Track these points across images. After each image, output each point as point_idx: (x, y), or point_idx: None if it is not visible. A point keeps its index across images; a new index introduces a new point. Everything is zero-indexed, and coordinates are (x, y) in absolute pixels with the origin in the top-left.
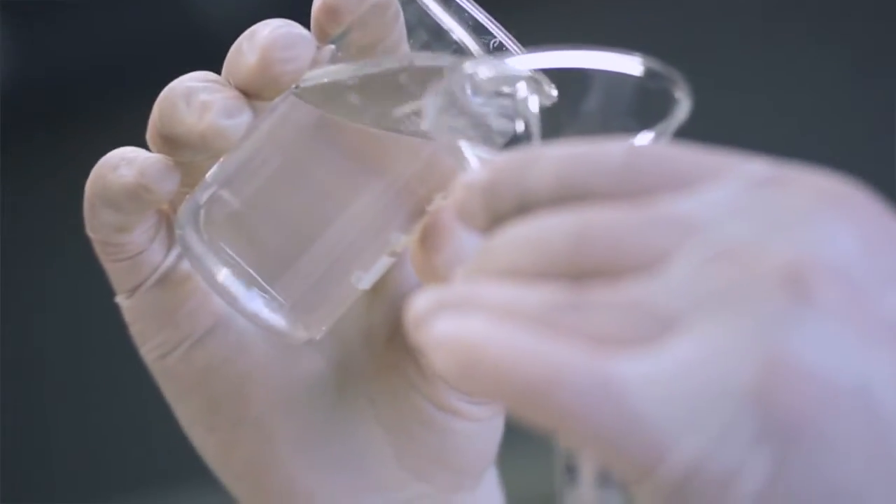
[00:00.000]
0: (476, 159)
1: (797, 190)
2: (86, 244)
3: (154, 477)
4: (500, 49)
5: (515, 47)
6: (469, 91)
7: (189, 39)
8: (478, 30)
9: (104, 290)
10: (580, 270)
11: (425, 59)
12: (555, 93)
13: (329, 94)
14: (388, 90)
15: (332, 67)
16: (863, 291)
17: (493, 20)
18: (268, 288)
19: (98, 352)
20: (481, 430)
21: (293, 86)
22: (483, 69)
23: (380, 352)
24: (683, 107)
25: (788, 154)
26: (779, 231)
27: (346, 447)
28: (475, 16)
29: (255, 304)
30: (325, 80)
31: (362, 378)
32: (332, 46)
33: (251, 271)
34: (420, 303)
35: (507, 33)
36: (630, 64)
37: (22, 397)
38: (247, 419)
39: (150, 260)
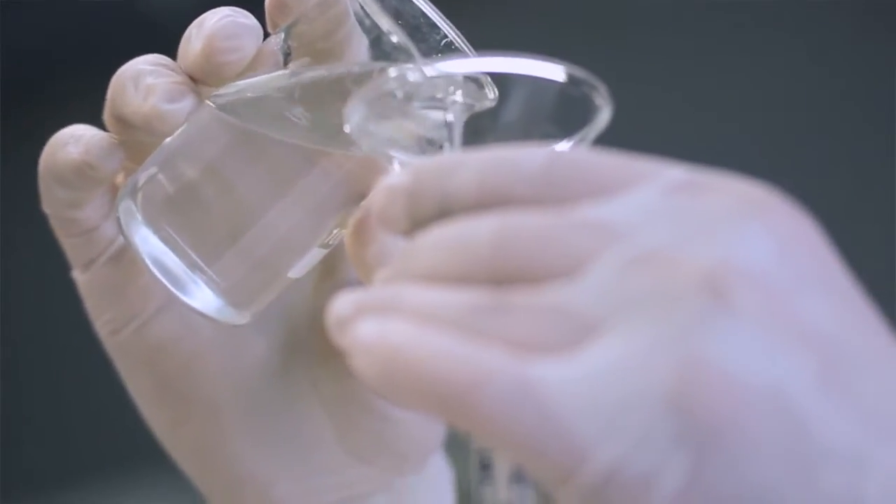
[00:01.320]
0: (398, 164)
1: (715, 196)
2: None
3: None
4: (448, 47)
5: (464, 45)
6: (397, 96)
7: (146, 22)
8: (423, 28)
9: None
10: (501, 275)
11: (349, 66)
12: (493, 96)
13: (252, 107)
14: (316, 97)
15: (257, 79)
16: (778, 296)
17: (441, 16)
18: (202, 266)
19: (67, 328)
20: (422, 418)
21: (210, 97)
22: (410, 75)
23: (324, 337)
24: (604, 114)
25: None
26: (697, 236)
27: (291, 428)
28: (426, 12)
29: (182, 284)
30: (248, 94)
31: (307, 362)
32: (281, 36)
33: (176, 252)
34: (341, 305)
35: (456, 30)
36: (552, 70)
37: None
38: (195, 397)
39: (103, 236)
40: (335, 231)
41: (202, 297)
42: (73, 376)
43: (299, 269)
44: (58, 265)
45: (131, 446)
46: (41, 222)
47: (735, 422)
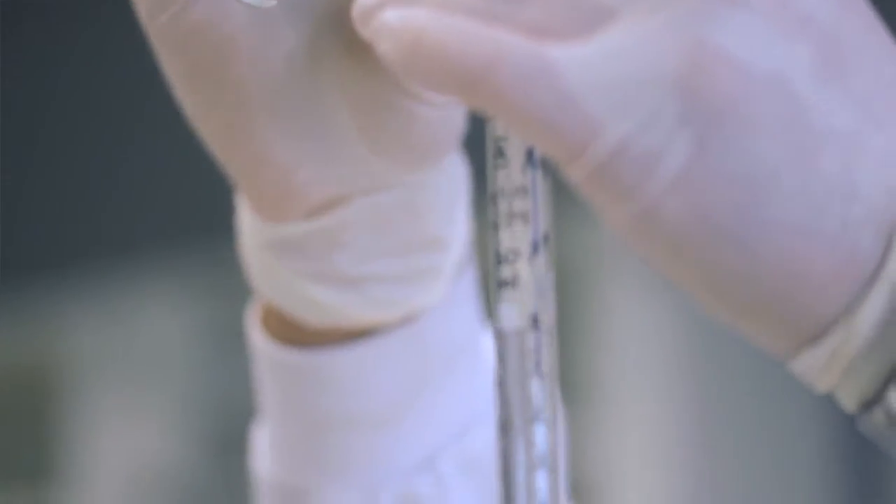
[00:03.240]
0: None
1: None
2: None
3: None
4: None
5: None
6: None
7: None
8: None
9: None
10: None
11: None
12: None
13: None
14: None
15: None
16: None
17: None
18: None
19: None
20: (441, 117)
21: None
22: None
23: (348, 32)
24: None
25: None
26: None
27: (315, 120)
28: None
29: None
30: None
31: (332, 57)
32: None
33: None
34: None
35: None
36: None
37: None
38: (226, 81)
39: None
40: None
41: None
42: (74, 154)
43: None
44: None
45: (129, 229)
46: None
47: (737, 103)
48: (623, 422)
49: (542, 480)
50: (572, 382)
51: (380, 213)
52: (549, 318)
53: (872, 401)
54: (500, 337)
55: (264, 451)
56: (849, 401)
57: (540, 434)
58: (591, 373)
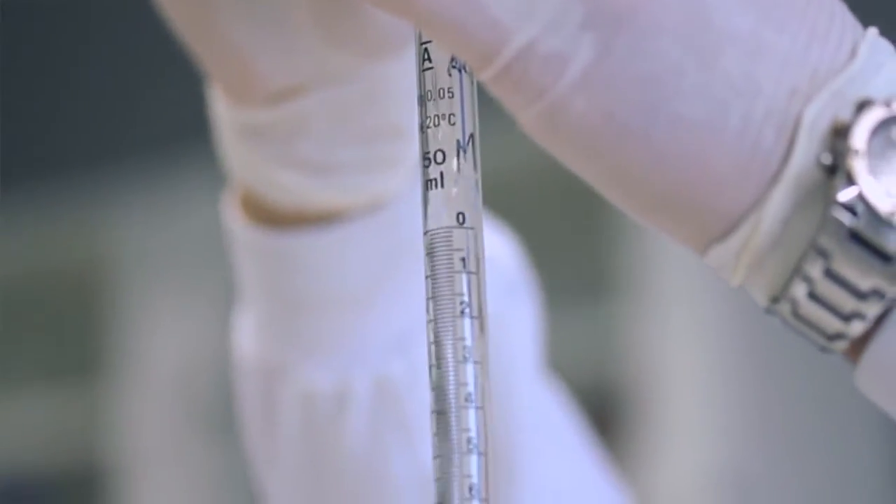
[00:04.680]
0: None
1: None
2: None
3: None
4: None
5: None
6: None
7: None
8: None
9: None
10: None
11: None
12: None
13: None
14: None
15: None
16: None
17: None
18: None
19: None
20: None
21: None
22: None
23: None
24: None
25: None
26: None
27: (273, 11)
28: None
29: None
30: None
31: None
32: None
33: None
34: None
35: None
36: None
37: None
38: None
39: None
40: None
41: None
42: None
43: None
44: None
45: (173, 123)
46: None
47: (639, 7)
48: (670, 317)
49: (470, 373)
50: (616, 274)
51: (340, 103)
52: (475, 217)
53: (780, 295)
54: (427, 234)
55: (245, 332)
56: (759, 295)
57: (467, 327)
58: (636, 265)
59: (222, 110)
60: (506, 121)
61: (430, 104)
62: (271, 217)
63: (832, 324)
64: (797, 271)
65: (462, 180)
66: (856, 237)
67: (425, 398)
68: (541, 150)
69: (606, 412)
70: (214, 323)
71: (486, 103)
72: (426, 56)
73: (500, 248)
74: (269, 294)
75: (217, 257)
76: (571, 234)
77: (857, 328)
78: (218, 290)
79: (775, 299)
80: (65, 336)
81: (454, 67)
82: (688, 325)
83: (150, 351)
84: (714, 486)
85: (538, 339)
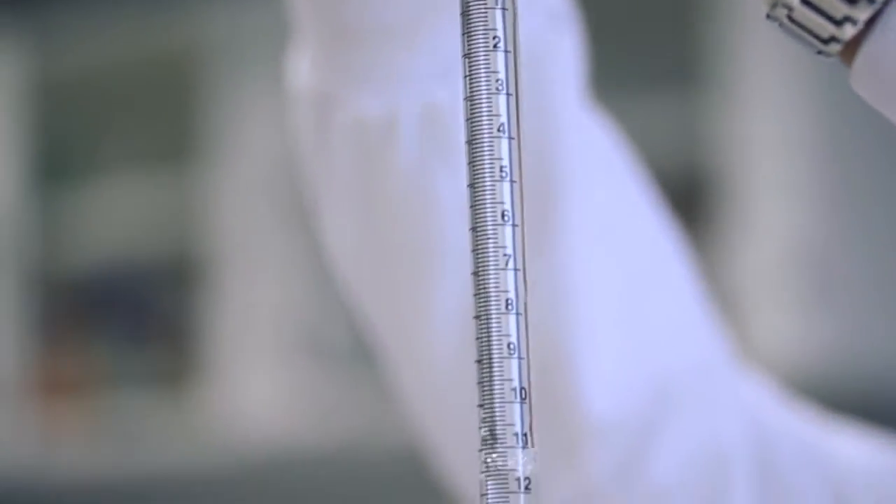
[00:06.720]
0: None
1: None
2: None
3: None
4: None
5: None
6: None
7: None
8: None
9: None
10: None
11: None
12: None
13: None
14: None
15: None
16: None
17: None
18: None
19: None
20: None
21: None
22: None
23: None
24: None
25: None
26: None
27: None
28: None
29: None
30: None
31: None
32: None
33: None
34: None
35: None
36: None
37: None
38: None
39: None
40: None
41: None
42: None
43: None
44: None
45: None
46: None
47: None
48: (755, 104)
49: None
50: (702, 61)
51: None
52: None
53: (777, 1)
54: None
55: (301, 68)
56: (762, 3)
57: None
58: (723, 53)
59: None
60: None
61: None
62: None
63: (825, 28)
64: None
65: None
66: None
67: None
68: None
69: (692, 197)
70: None
71: None
72: None
73: None
74: (321, 27)
75: None
76: (660, 22)
77: (849, 31)
78: None
79: (773, 4)
80: (160, 124)
81: None
82: (772, 112)
83: (244, 140)
84: (796, 266)
85: (580, 70)
